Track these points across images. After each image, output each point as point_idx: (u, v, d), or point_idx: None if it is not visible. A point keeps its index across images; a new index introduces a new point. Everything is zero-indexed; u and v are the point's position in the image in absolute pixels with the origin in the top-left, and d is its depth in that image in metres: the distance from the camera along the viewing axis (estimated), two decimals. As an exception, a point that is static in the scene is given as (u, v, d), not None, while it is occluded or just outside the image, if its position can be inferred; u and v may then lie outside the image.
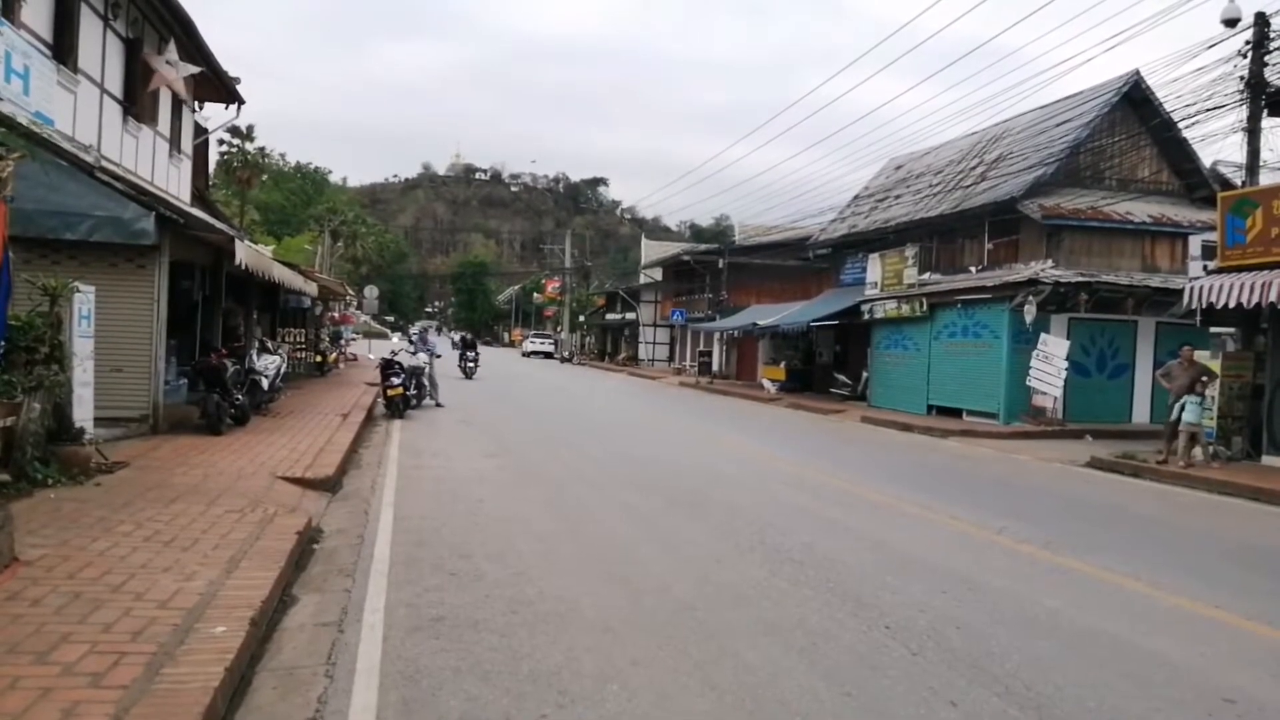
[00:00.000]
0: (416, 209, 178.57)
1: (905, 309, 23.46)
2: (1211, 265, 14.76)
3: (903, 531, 8.42)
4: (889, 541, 7.92)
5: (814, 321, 28.01)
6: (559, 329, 70.81)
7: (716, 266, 40.76)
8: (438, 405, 19.68)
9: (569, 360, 58.52)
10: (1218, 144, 71.55)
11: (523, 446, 13.83)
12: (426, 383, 19.63)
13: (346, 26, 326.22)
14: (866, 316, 25.34)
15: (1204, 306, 13.83)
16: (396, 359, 18.42)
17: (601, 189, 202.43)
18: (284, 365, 16.96)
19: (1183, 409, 13.50)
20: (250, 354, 14.61)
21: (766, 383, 31.05)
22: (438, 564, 6.48)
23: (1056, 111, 23.66)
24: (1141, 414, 20.26)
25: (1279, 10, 14.89)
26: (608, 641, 4.97)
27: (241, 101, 21.30)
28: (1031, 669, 4.78)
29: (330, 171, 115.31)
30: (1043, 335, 19.13)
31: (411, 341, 21.79)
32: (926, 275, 23.99)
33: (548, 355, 61.45)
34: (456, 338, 35.85)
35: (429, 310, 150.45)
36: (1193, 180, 22.46)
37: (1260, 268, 13.15)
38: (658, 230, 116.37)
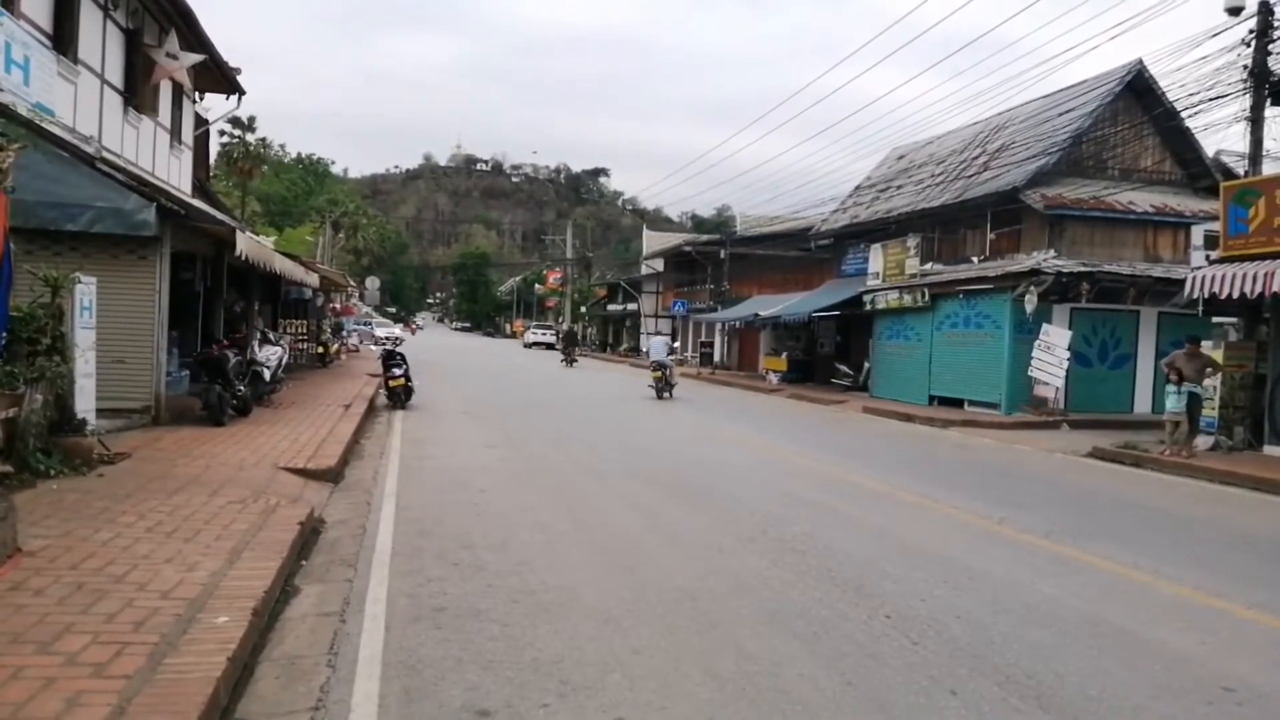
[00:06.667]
0: (417, 200, 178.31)
1: (907, 299, 23.42)
2: (1214, 255, 14.69)
3: (903, 521, 8.43)
4: (890, 531, 7.93)
5: (816, 312, 27.98)
6: (560, 320, 70.77)
7: (718, 257, 40.69)
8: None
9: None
10: (1220, 133, 71.26)
11: (524, 437, 13.84)
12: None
13: (347, 18, 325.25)
14: (868, 307, 25.29)
15: (1206, 296, 13.79)
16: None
17: (603, 180, 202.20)
18: (285, 356, 16.98)
19: (1179, 399, 13.58)
20: (252, 345, 14.62)
21: (769, 374, 31.05)
22: (440, 554, 6.50)
23: (1059, 101, 23.57)
24: (1143, 404, 20.25)
25: (1283, -2, 14.80)
26: (609, 631, 4.99)
27: (242, 92, 21.28)
28: (1032, 658, 4.79)
29: (331, 162, 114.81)
30: (1045, 325, 19.10)
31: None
32: (928, 265, 23.95)
33: (549, 346, 61.53)
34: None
35: (430, 301, 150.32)
36: (1195, 170, 22.39)
37: (1263, 257, 13.10)
38: (659, 221, 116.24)
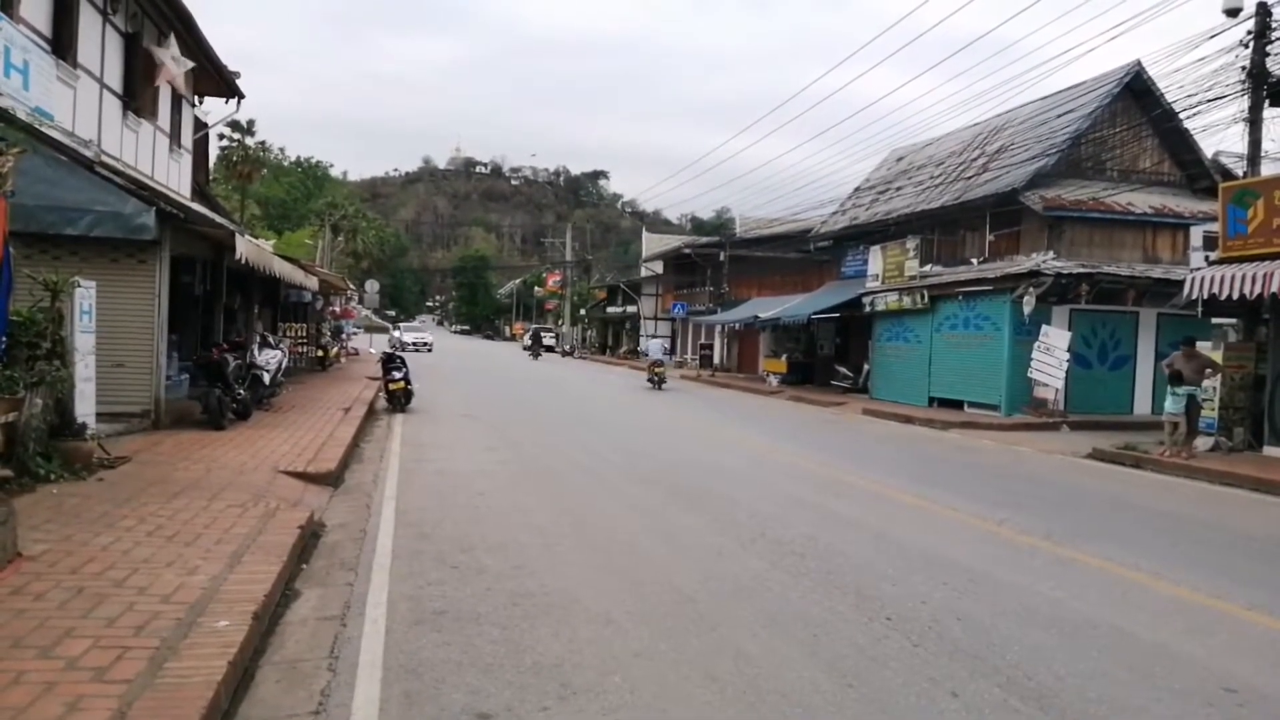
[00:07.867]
0: (417, 203, 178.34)
1: (906, 301, 23.43)
2: (1213, 256, 14.71)
3: (904, 523, 8.43)
4: (890, 533, 7.93)
5: (815, 314, 28.00)
6: (560, 322, 70.84)
7: (717, 259, 40.69)
8: None
9: (570, 354, 58.73)
10: (1219, 134, 71.33)
11: (523, 440, 13.84)
12: None
13: (346, 20, 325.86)
14: (868, 309, 25.31)
15: (1205, 297, 13.81)
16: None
17: (602, 182, 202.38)
18: (285, 360, 16.98)
19: (1177, 400, 13.60)
20: (252, 348, 14.60)
21: (769, 376, 31.05)
22: (440, 557, 6.49)
23: (1058, 102, 23.60)
24: (1143, 405, 20.25)
25: (1281, 0, 14.82)
26: (609, 634, 4.99)
27: (241, 95, 21.28)
28: (1032, 660, 4.79)
29: (331, 165, 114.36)
30: (1044, 327, 19.11)
31: None
32: (928, 267, 23.97)
33: (549, 348, 61.77)
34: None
35: (429, 304, 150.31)
36: (1194, 171, 22.40)
37: (1262, 258, 13.12)
38: (659, 223, 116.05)
